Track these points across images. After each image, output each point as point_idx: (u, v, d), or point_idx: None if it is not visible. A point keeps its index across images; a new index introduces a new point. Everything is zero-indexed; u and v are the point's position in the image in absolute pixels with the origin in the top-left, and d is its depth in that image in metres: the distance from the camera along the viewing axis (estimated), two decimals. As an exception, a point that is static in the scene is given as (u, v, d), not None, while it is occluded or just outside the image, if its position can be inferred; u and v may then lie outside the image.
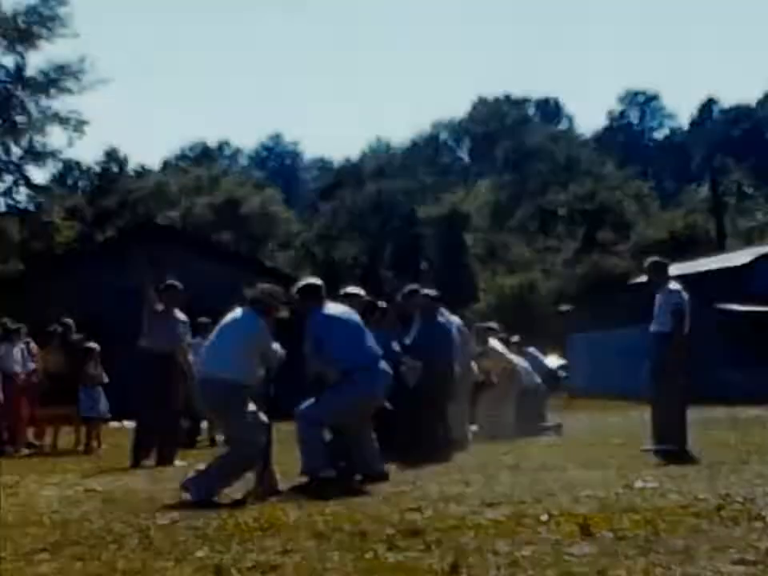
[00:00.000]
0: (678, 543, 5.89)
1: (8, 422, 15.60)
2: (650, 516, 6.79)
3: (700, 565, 5.36)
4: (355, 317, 9.82)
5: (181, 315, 13.30)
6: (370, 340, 9.72)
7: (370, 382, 9.45)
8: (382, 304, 12.61)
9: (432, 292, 13.57)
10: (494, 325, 17.60)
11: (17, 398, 15.50)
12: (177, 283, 13.19)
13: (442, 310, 13.53)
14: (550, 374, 18.10)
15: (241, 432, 8.70)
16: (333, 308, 9.68)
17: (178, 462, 12.37)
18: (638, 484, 8.64)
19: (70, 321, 16.68)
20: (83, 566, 5.80)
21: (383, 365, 9.67)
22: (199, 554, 5.99)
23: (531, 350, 18.61)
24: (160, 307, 12.99)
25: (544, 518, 6.82)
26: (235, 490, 8.65)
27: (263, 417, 8.89)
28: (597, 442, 14.17)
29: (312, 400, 9.45)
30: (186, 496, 8.46)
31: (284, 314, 9.28)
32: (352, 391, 9.31)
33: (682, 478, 9.17)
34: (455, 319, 14.37)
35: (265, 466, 8.85)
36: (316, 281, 9.96)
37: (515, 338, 18.30)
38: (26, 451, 15.61)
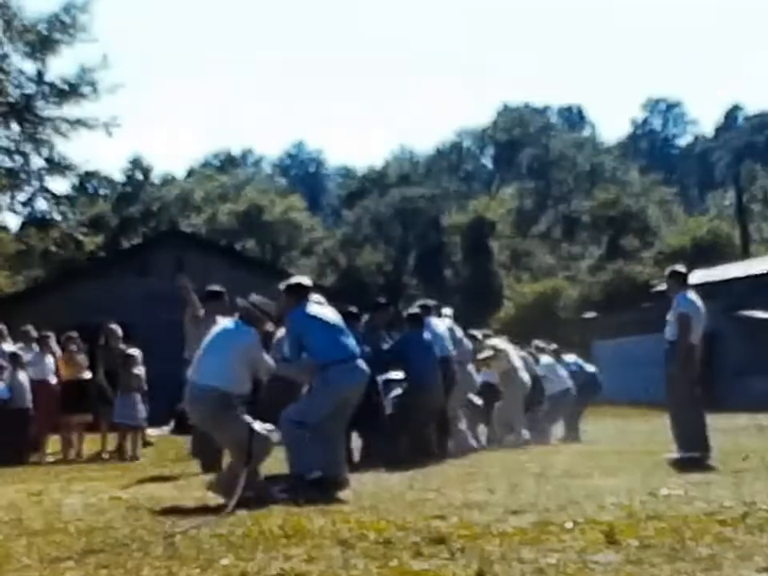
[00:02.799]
0: (704, 551, 5.88)
1: (36, 430, 15.59)
2: (675, 524, 6.77)
3: (725, 573, 5.35)
4: (335, 316, 9.84)
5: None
6: (350, 338, 9.75)
7: (346, 375, 9.45)
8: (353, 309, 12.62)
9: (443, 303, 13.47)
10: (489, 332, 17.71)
11: (46, 406, 15.51)
12: (221, 289, 12.66)
13: (428, 320, 13.56)
14: (593, 379, 17.98)
15: (239, 436, 8.66)
16: (314, 308, 9.67)
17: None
18: (663, 492, 8.61)
19: (115, 327, 16.53)
20: (108, 573, 5.82)
21: (361, 362, 9.69)
22: (224, 561, 5.99)
23: (570, 357, 18.43)
24: (202, 312, 12.50)
25: (569, 525, 6.81)
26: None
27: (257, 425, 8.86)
28: (621, 449, 14.14)
29: (294, 403, 9.52)
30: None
31: (270, 327, 9.39)
32: (330, 384, 9.30)
33: (707, 485, 9.14)
34: (448, 323, 14.39)
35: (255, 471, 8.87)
36: (302, 280, 9.98)
37: (553, 346, 18.30)
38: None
